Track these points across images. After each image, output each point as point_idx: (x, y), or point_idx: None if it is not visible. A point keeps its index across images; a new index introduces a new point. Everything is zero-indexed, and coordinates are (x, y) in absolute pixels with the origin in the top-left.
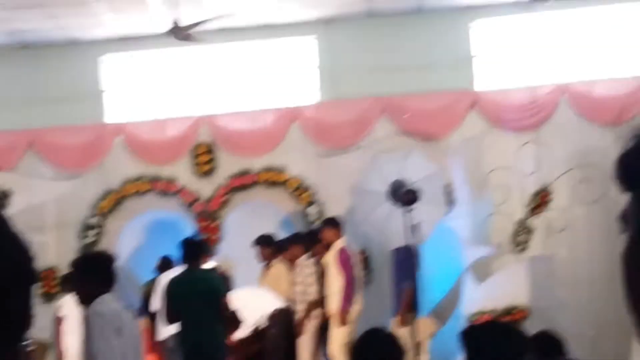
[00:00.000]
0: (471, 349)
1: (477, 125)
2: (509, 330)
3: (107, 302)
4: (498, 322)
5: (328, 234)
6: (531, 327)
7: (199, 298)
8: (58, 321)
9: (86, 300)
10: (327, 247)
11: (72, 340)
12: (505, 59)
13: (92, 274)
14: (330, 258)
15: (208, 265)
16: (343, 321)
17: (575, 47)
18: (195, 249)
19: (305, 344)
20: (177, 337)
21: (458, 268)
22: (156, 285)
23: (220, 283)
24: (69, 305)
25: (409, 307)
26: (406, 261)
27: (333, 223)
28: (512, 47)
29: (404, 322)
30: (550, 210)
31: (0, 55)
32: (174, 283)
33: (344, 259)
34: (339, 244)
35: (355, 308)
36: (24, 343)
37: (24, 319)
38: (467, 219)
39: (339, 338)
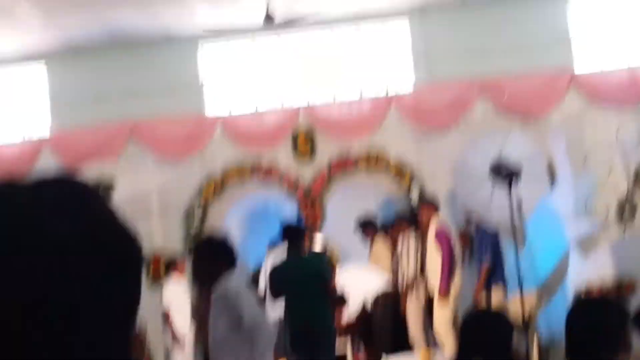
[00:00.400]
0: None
1: (577, 103)
2: (609, 305)
3: (231, 281)
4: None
5: (425, 213)
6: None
7: (305, 282)
8: (166, 315)
9: (208, 280)
10: (427, 226)
11: (183, 325)
12: (603, 38)
13: (217, 254)
14: (429, 236)
15: (315, 247)
16: (444, 298)
17: None
18: (296, 233)
19: (412, 323)
20: (284, 321)
21: (563, 244)
22: (263, 270)
23: (326, 266)
24: (174, 295)
25: (483, 284)
26: (485, 238)
27: (429, 202)
28: (610, 25)
29: (479, 299)
30: None
31: (101, 51)
32: (279, 267)
33: (442, 237)
34: (436, 222)
35: (456, 284)
36: (134, 326)
37: (134, 303)
38: (571, 195)
39: (442, 315)
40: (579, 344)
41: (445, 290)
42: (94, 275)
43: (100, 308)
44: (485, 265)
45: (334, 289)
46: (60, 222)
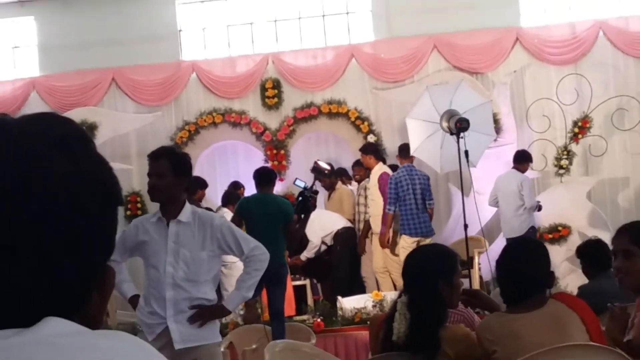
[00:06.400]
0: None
1: (521, 59)
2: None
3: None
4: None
5: (367, 160)
6: (574, 244)
7: (267, 217)
8: None
9: None
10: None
11: None
12: None
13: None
14: (371, 183)
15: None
16: (382, 244)
17: None
18: (267, 176)
19: (365, 261)
20: None
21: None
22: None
23: (289, 207)
24: None
25: (386, 230)
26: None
27: (372, 150)
28: None
29: (382, 244)
30: (590, 137)
31: (86, 2)
32: (246, 201)
33: (383, 184)
34: (378, 170)
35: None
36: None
37: (110, 240)
38: (513, 145)
39: (379, 256)
40: (504, 281)
41: (383, 237)
42: (91, 209)
43: (91, 238)
44: (388, 212)
45: (295, 231)
46: (64, 159)
